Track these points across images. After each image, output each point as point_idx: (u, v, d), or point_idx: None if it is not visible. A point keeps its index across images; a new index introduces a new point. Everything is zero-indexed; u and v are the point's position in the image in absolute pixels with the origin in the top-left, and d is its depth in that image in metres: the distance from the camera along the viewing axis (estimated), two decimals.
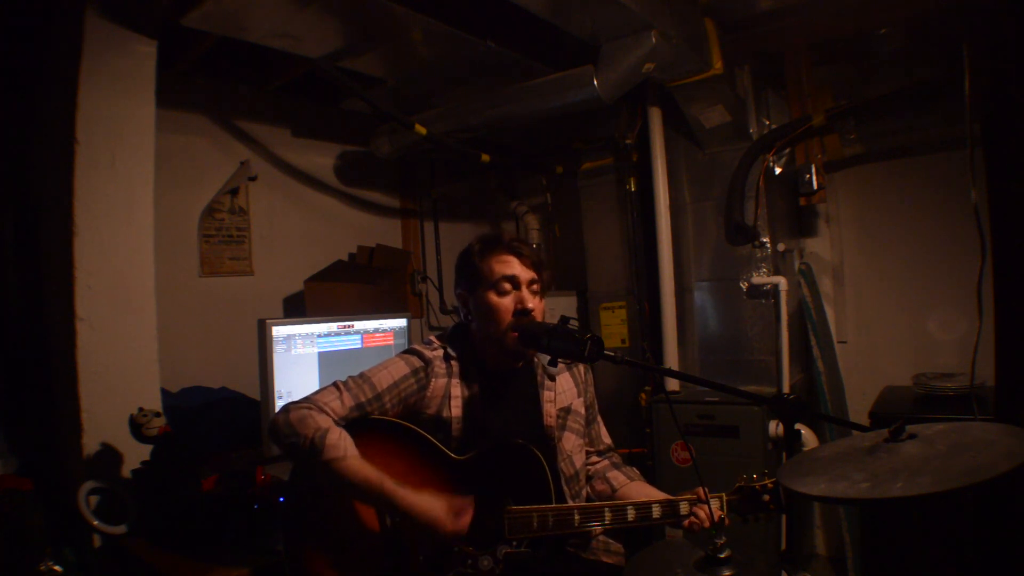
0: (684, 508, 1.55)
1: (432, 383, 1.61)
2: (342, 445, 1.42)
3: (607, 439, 1.88)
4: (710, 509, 1.52)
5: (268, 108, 3.12)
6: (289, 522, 1.54)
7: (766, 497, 1.55)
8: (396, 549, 1.46)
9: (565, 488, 1.63)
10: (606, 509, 1.51)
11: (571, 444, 1.71)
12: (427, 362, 1.62)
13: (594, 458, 1.83)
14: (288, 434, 1.44)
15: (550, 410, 1.69)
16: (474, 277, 1.63)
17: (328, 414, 1.48)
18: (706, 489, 1.50)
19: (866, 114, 2.77)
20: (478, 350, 1.67)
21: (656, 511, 1.55)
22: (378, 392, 1.56)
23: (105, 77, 2.02)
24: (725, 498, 1.58)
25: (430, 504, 1.40)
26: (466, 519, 1.41)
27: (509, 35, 2.52)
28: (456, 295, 1.71)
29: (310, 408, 1.47)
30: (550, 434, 1.67)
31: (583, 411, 1.77)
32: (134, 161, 2.10)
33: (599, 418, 1.87)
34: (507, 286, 1.59)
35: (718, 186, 2.95)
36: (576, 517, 1.49)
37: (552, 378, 1.72)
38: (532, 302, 1.59)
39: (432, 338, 1.70)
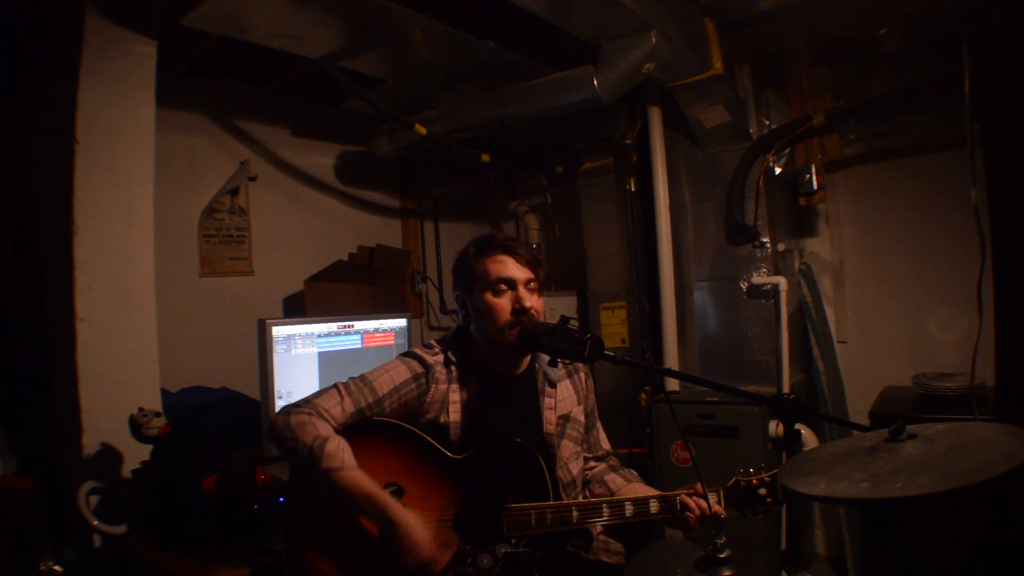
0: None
1: (432, 389, 1.61)
2: (340, 456, 1.42)
3: (606, 444, 1.87)
4: (708, 503, 1.51)
5: (268, 108, 3.12)
6: (289, 522, 1.54)
7: (763, 491, 1.55)
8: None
9: (563, 495, 1.63)
10: (604, 505, 1.52)
11: (568, 452, 1.70)
12: (428, 368, 1.62)
13: (592, 463, 1.83)
14: (288, 438, 1.45)
15: (550, 417, 1.68)
16: (471, 279, 1.63)
17: (328, 421, 1.48)
18: (703, 482, 1.50)
19: (866, 114, 2.78)
20: (478, 353, 1.67)
21: (654, 506, 1.54)
22: (379, 396, 1.56)
23: (105, 77, 2.02)
24: (722, 492, 1.57)
25: (419, 531, 1.41)
26: (445, 559, 1.42)
27: (509, 35, 2.52)
28: (455, 297, 1.71)
29: (310, 414, 1.47)
30: (550, 441, 1.66)
31: (582, 419, 1.77)
32: (134, 161, 2.10)
33: (599, 424, 1.87)
34: (503, 286, 1.59)
35: (718, 186, 2.95)
36: (574, 514, 1.49)
37: (553, 385, 1.71)
38: (530, 300, 1.59)
39: (433, 342, 1.69)
